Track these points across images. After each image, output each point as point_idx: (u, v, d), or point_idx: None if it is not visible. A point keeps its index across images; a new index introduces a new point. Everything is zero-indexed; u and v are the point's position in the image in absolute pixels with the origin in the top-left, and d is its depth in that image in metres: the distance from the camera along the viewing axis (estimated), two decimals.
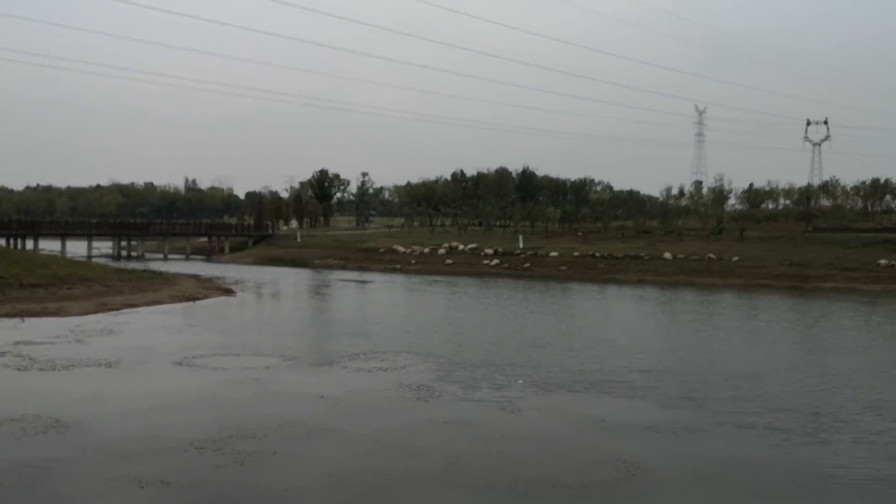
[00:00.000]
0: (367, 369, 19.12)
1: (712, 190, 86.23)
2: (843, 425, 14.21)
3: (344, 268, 60.75)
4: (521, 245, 62.01)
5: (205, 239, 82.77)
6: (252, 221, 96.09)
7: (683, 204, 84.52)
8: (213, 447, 12.21)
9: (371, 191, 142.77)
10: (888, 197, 75.40)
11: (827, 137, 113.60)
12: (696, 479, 11.41)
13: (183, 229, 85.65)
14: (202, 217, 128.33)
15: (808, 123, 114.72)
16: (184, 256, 75.14)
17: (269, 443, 12.55)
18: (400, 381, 17.47)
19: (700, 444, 13.13)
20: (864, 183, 78.38)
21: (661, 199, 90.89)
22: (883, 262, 49.40)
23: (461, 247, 63.83)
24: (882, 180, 76.31)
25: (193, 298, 34.75)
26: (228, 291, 39.42)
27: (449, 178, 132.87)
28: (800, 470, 11.80)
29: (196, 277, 45.98)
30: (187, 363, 19.46)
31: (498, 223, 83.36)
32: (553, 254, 58.26)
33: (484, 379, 17.93)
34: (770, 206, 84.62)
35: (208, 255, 76.67)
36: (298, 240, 77.84)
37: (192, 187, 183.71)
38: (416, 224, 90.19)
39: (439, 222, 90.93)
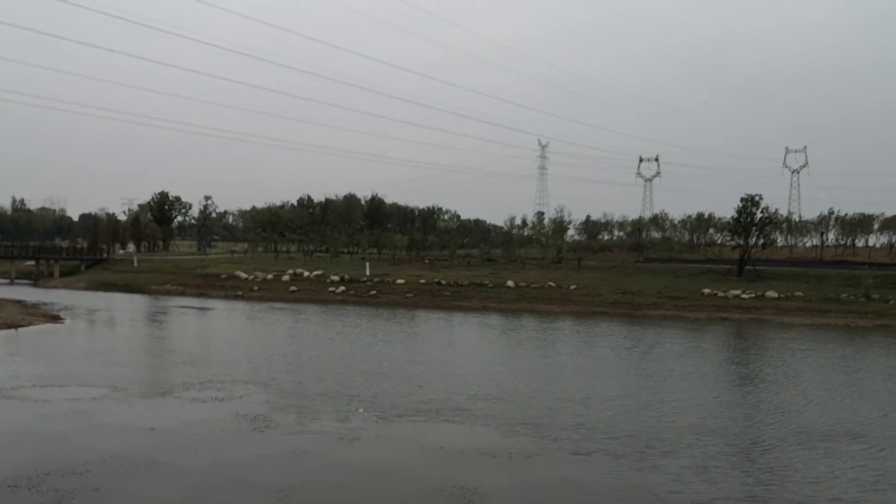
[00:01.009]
0: (202, 399, 18.47)
1: (553, 221, 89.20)
2: (674, 450, 14.88)
3: (183, 294, 58.60)
4: (367, 272, 61.87)
5: (32, 262, 77.71)
6: (86, 244, 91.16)
7: (526, 234, 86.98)
8: (29, 485, 11.43)
9: (214, 215, 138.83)
10: (711, 230, 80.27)
11: (658, 174, 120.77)
12: (529, 503, 11.66)
13: (8, 251, 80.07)
14: (30, 239, 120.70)
15: (641, 160, 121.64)
16: (8, 281, 70.35)
17: (92, 479, 11.87)
18: (236, 412, 16.98)
19: (536, 469, 13.42)
20: (690, 217, 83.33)
21: (505, 228, 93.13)
22: (706, 291, 52.59)
23: (306, 273, 62.98)
24: (706, 215, 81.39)
25: (16, 326, 32.61)
26: (56, 318, 37.19)
27: (295, 203, 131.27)
28: (630, 493, 12.27)
29: (20, 303, 43.16)
30: (4, 395, 18.17)
31: (345, 250, 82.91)
32: (400, 281, 58.44)
33: (324, 409, 17.69)
34: (606, 237, 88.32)
35: (36, 279, 72.03)
36: (135, 264, 74.49)
37: (19, 207, 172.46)
38: (260, 250, 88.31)
39: (284, 248, 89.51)
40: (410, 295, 54.44)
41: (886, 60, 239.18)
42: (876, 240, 79.23)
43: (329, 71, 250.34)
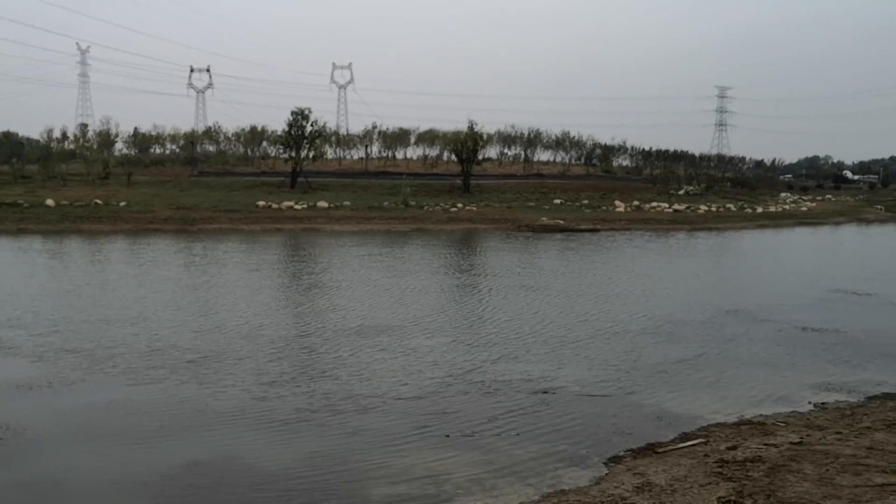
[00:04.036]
0: None
1: (98, 133, 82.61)
2: (239, 363, 14.89)
3: None
4: None
5: None
6: None
7: (68, 148, 79.73)
8: None
9: None
10: (265, 143, 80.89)
11: (210, 85, 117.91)
12: (74, 431, 10.93)
13: None
14: None
15: (192, 70, 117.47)
16: None
17: None
18: None
19: (80, 396, 12.52)
20: (244, 130, 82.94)
21: (42, 141, 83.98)
22: (261, 203, 53.45)
23: None
24: (260, 128, 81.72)
25: None
26: None
27: None
28: (180, 407, 12.04)
29: None
30: None
31: None
32: None
33: None
34: (158, 151, 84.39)
35: None
36: None
37: None
38: None
39: None
40: None
41: None
42: (413, 152, 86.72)
43: None
